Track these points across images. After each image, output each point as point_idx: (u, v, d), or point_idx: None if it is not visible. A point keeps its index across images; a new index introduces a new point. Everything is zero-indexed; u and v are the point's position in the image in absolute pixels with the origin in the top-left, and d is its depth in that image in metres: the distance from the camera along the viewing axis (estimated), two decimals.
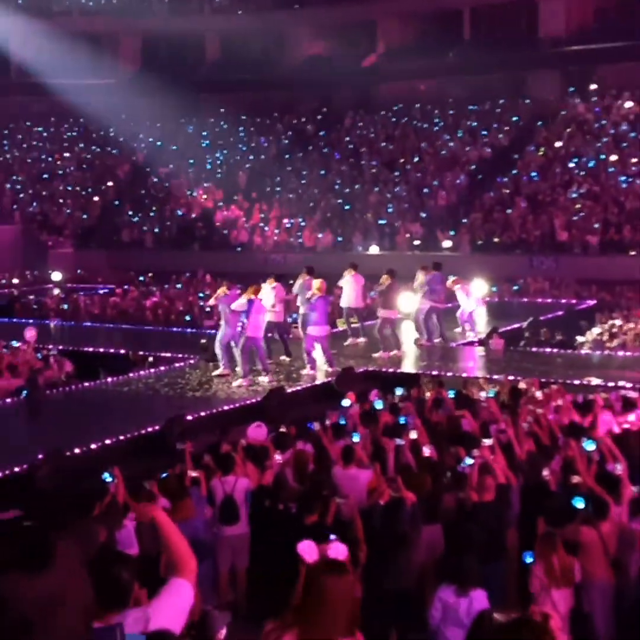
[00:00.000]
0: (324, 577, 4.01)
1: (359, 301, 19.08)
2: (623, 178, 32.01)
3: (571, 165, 33.78)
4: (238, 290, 16.72)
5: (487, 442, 10.13)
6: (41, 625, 2.26)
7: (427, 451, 10.22)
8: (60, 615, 2.30)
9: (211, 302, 17.51)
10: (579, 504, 8.49)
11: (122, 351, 19.45)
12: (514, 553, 8.99)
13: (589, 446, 9.87)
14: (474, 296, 20.43)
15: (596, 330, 20.55)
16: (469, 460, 9.60)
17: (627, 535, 8.52)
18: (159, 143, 43.66)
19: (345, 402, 12.86)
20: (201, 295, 25.35)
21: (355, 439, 10.55)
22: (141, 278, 31.48)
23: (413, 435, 10.62)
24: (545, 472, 9.45)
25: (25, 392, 15.89)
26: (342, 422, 11.81)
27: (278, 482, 9.80)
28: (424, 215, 33.99)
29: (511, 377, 15.12)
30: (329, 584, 3.94)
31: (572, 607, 7.81)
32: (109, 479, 8.98)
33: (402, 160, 37.62)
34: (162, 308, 24.68)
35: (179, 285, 29.30)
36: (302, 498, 9.11)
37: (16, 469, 11.35)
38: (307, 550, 6.14)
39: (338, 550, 6.12)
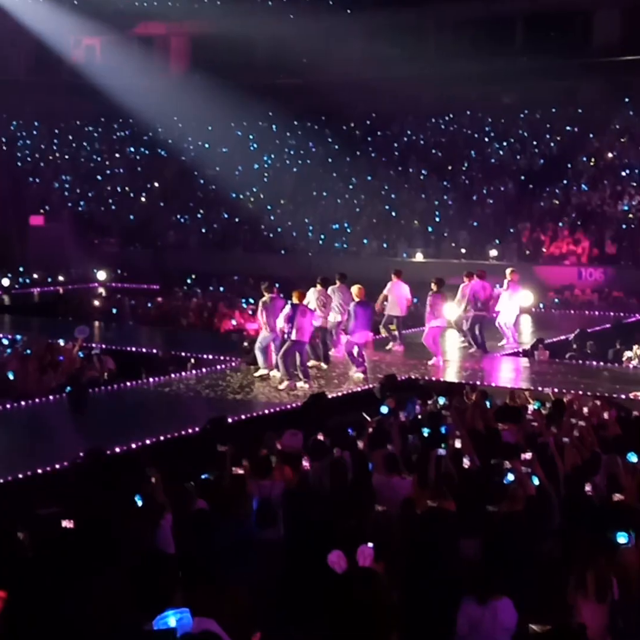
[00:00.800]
0: (351, 585, 3.90)
1: (400, 309, 18.86)
2: None
3: (622, 176, 33.34)
4: (280, 299, 16.50)
5: (526, 455, 9.96)
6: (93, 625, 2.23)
7: (467, 462, 10.09)
8: (109, 616, 2.27)
9: (259, 316, 16.96)
10: (622, 539, 8.24)
11: (160, 352, 19.47)
12: (554, 564, 8.82)
13: (633, 459, 9.67)
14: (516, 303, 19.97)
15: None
16: (510, 476, 9.43)
17: None
18: (206, 145, 43.82)
19: (384, 409, 12.74)
20: (244, 301, 25.19)
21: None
22: (188, 280, 31.55)
23: (456, 444, 10.49)
24: (588, 487, 9.26)
25: (68, 389, 15.95)
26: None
27: (303, 488, 9.69)
28: (471, 223, 33.74)
29: (556, 390, 14.89)
30: (357, 592, 3.83)
31: (606, 624, 7.55)
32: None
33: (450, 168, 37.40)
34: (205, 310, 24.70)
35: (221, 288, 29.31)
36: (339, 505, 9.02)
37: (57, 466, 11.37)
38: (337, 560, 6.05)
39: (365, 554, 6.03)
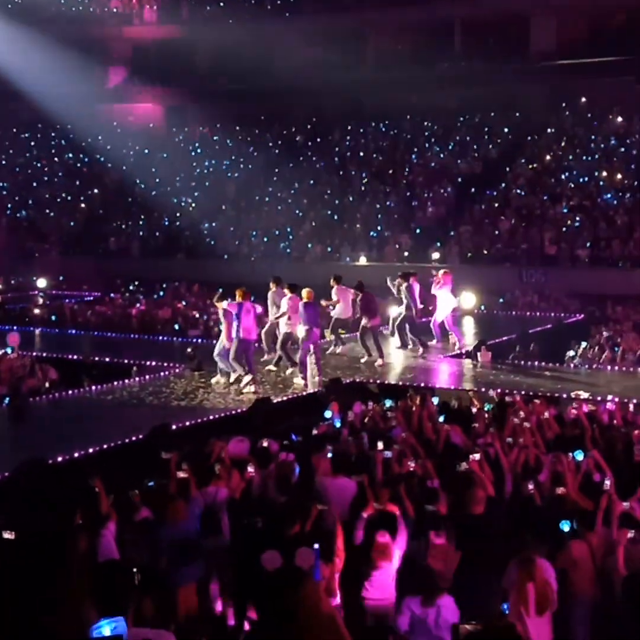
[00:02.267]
0: (285, 587, 3.85)
1: (348, 312, 18.91)
2: (611, 194, 32.04)
3: (561, 179, 33.80)
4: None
5: (476, 456, 10.00)
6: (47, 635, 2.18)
7: (411, 464, 10.12)
8: (63, 625, 2.22)
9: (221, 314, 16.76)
10: (565, 527, 8.34)
11: (107, 359, 19.26)
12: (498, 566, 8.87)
13: (579, 456, 9.76)
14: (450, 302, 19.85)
15: (585, 344, 20.44)
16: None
17: (612, 547, 8.41)
18: (146, 151, 43.51)
19: (328, 413, 12.74)
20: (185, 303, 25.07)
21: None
22: (130, 287, 31.27)
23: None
24: (530, 486, 9.32)
25: (7, 399, 15.69)
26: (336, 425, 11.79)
27: (245, 496, 9.65)
28: (413, 226, 33.94)
29: (499, 391, 14.98)
30: (290, 593, 3.78)
31: (552, 637, 7.57)
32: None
33: (391, 172, 37.59)
34: (147, 316, 24.49)
35: (161, 293, 29.12)
36: (284, 508, 9.00)
37: None
38: (270, 560, 6.02)
39: (304, 557, 6.01)
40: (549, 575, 7.57)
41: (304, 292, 16.50)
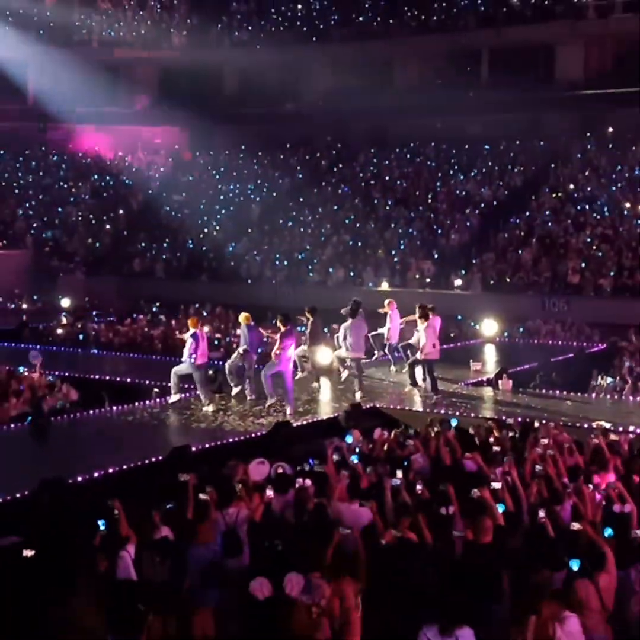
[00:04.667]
0: (275, 613, 3.86)
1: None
2: (637, 222, 31.95)
3: (585, 208, 33.75)
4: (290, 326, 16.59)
5: (496, 484, 9.96)
6: None
7: (419, 488, 10.11)
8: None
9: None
10: (574, 566, 8.22)
11: (129, 380, 19.36)
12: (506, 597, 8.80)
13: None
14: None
15: (610, 380, 20.30)
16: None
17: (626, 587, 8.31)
18: (172, 173, 43.85)
19: (348, 439, 12.73)
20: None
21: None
22: (154, 308, 31.39)
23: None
24: (541, 514, 9.22)
25: (29, 418, 15.78)
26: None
27: (266, 519, 9.65)
28: (436, 253, 33.97)
29: (519, 420, 14.93)
30: (277, 621, 3.79)
31: None
32: (102, 527, 8.84)
33: (415, 198, 37.67)
34: (170, 338, 24.58)
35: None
36: (306, 533, 8.99)
37: (17, 496, 11.22)
38: (259, 588, 6.02)
39: (292, 583, 5.99)
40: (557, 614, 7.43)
41: (243, 316, 17.02)
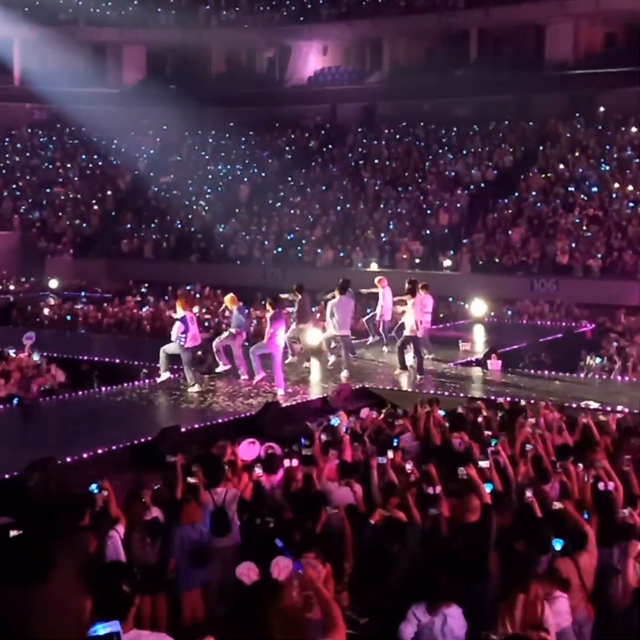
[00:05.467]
0: (260, 599, 3.83)
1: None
2: (626, 203, 31.98)
3: (574, 189, 33.75)
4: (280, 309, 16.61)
5: (484, 463, 9.96)
6: (37, 634, 2.17)
7: (409, 467, 10.11)
8: (56, 625, 2.21)
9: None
10: (557, 546, 8.24)
11: (118, 360, 19.32)
12: (495, 576, 8.83)
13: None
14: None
15: (599, 360, 20.35)
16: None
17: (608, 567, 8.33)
18: (160, 154, 43.65)
19: (334, 421, 12.70)
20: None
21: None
22: (142, 289, 31.30)
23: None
24: (528, 494, 9.23)
25: (17, 399, 15.74)
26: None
27: (257, 496, 9.65)
28: (425, 234, 33.95)
29: (508, 399, 14.96)
30: (264, 605, 3.76)
31: None
32: (96, 491, 8.85)
33: (404, 179, 37.61)
34: (159, 319, 24.53)
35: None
36: (293, 512, 9.01)
37: (6, 476, 11.18)
38: (246, 572, 6.00)
39: (280, 566, 5.98)
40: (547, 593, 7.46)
41: (229, 298, 17.17)
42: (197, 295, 28.63)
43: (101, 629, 3.82)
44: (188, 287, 30.58)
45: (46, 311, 26.72)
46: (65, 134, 46.55)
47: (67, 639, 2.18)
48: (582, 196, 33.22)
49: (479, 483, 9.23)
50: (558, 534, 8.39)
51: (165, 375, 16.48)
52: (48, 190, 42.28)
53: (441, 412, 13.34)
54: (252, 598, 3.90)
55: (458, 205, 35.05)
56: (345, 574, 8.73)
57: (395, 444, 11.54)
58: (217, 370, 17.01)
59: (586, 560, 8.22)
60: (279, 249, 34.89)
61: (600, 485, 9.61)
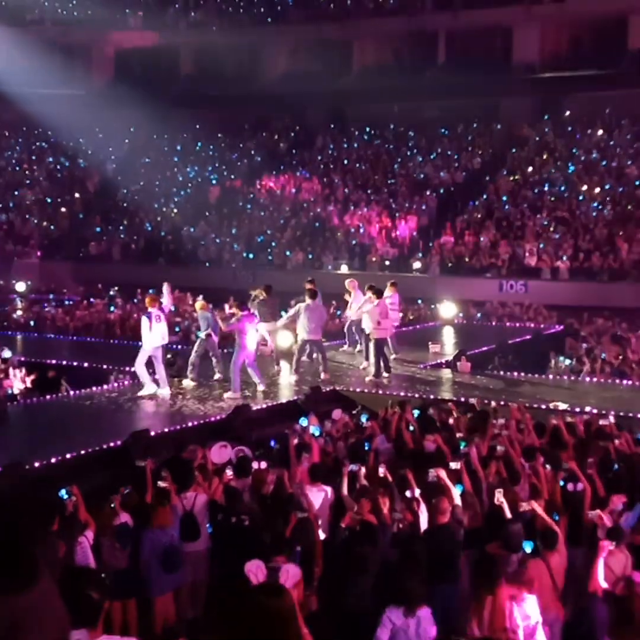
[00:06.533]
0: (260, 600, 3.78)
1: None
2: (593, 205, 32.24)
3: (542, 191, 33.98)
4: (247, 311, 16.47)
5: (454, 465, 9.99)
6: None
7: (381, 471, 10.11)
8: (36, 633, 2.18)
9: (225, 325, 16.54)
10: (528, 548, 8.29)
11: (86, 364, 19.17)
12: (463, 577, 8.86)
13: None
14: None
15: (568, 361, 20.48)
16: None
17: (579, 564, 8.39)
18: (129, 156, 43.43)
19: (303, 422, 12.68)
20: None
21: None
22: (111, 292, 31.07)
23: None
24: (498, 495, 9.27)
25: None
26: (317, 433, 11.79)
27: (230, 496, 9.61)
28: (394, 235, 34.03)
29: (478, 401, 15.00)
30: (268, 605, 3.72)
31: None
32: (65, 497, 8.78)
33: (374, 181, 37.68)
34: (127, 321, 24.39)
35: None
36: (264, 515, 8.99)
37: None
38: (254, 571, 5.96)
39: (289, 573, 5.96)
40: (512, 595, 7.49)
41: (199, 304, 17.26)
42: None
43: None
44: (151, 290, 30.33)
45: (14, 315, 26.47)
46: (32, 136, 46.19)
47: None
48: (550, 198, 33.45)
49: (448, 485, 9.26)
50: (528, 535, 8.44)
51: (151, 388, 15.90)
52: (15, 192, 41.92)
53: (415, 412, 13.38)
54: (247, 597, 3.86)
55: (426, 207, 35.17)
56: (315, 577, 8.72)
57: (366, 448, 11.55)
58: (184, 382, 16.78)
59: (556, 560, 8.27)
60: (250, 255, 34.73)
61: (570, 486, 9.68)
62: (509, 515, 9.00)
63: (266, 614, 3.65)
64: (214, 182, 40.76)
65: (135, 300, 28.40)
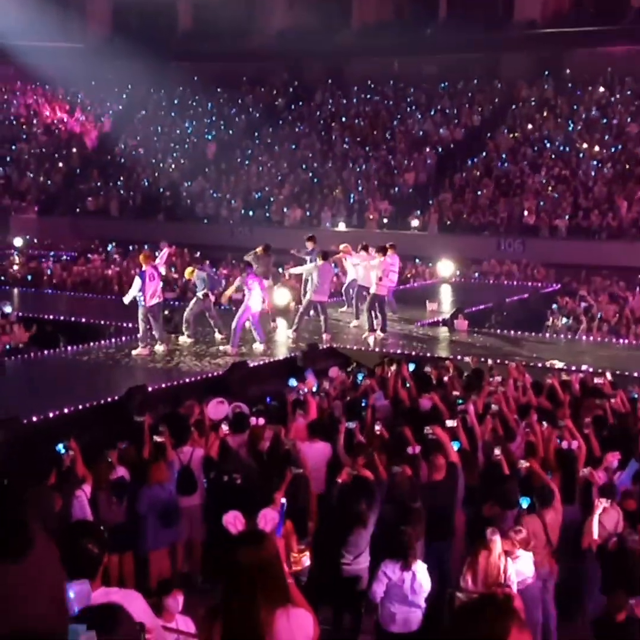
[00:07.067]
0: (240, 549, 3.82)
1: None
2: (593, 163, 32.07)
3: (542, 148, 33.79)
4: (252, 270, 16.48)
5: (451, 422, 10.04)
6: (13, 613, 2.14)
7: (377, 428, 10.17)
8: (32, 603, 2.19)
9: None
10: (524, 503, 8.36)
11: (83, 320, 19.17)
12: (460, 534, 8.94)
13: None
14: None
15: (565, 320, 20.49)
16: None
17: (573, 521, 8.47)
18: (126, 111, 43.09)
19: (292, 382, 12.67)
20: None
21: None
22: (108, 248, 30.98)
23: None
24: (497, 452, 9.33)
25: None
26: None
27: (224, 454, 9.67)
28: (393, 193, 33.88)
29: (474, 358, 15.04)
30: (245, 556, 3.75)
31: None
32: (63, 451, 8.82)
33: (373, 137, 37.44)
34: (124, 277, 24.35)
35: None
36: (258, 471, 9.05)
37: None
38: (232, 521, 6.02)
39: (267, 518, 6.03)
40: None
41: (189, 271, 17.18)
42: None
43: (69, 590, 3.80)
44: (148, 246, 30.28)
45: (11, 269, 26.43)
46: (28, 90, 45.75)
47: (50, 616, 2.16)
48: (550, 156, 33.26)
49: (445, 442, 9.31)
50: (524, 492, 8.51)
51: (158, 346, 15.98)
52: (12, 147, 41.63)
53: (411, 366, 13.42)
54: (231, 547, 3.89)
55: (426, 164, 34.96)
56: (310, 532, 8.80)
57: (363, 404, 11.60)
58: (181, 339, 16.78)
59: (552, 517, 8.35)
60: (249, 212, 34.54)
61: (564, 444, 9.74)
62: (507, 471, 9.08)
63: (244, 563, 3.68)
64: (211, 137, 40.46)
65: (133, 256, 28.30)
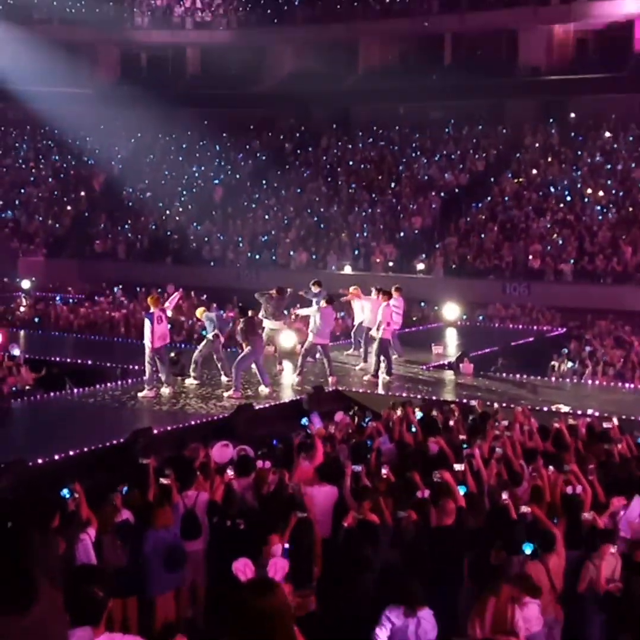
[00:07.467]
0: (250, 598, 3.81)
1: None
2: (598, 208, 32.24)
3: (546, 193, 33.98)
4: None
5: (459, 467, 10.03)
6: None
7: (384, 471, 10.14)
8: None
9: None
10: (527, 550, 8.32)
11: (90, 362, 19.23)
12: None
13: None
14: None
15: (570, 364, 20.48)
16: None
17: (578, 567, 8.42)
18: (134, 155, 43.48)
19: (304, 421, 12.71)
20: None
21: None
22: (115, 290, 31.12)
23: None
24: (504, 496, 9.30)
25: None
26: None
27: (228, 498, 9.65)
28: (398, 237, 34.05)
29: (480, 402, 15.01)
30: (255, 605, 3.75)
31: None
32: (67, 495, 8.80)
33: (378, 182, 37.69)
34: (131, 319, 24.45)
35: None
36: (263, 516, 9.01)
37: None
38: (242, 568, 5.99)
39: (277, 567, 6.00)
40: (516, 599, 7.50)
41: (200, 311, 17.28)
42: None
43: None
44: (158, 290, 30.37)
45: (18, 312, 26.54)
46: (38, 134, 46.23)
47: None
48: (554, 201, 33.45)
49: (454, 486, 9.29)
50: (527, 537, 8.47)
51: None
52: (21, 190, 41.99)
53: (418, 413, 13.41)
54: (240, 595, 3.88)
55: (431, 208, 35.18)
56: (314, 577, 8.75)
57: (368, 444, 11.58)
58: (187, 382, 16.83)
59: (555, 562, 8.30)
60: (256, 256, 34.72)
61: (569, 489, 9.71)
62: (515, 515, 9.05)
63: (255, 612, 3.68)
64: (218, 181, 40.77)
65: (140, 299, 28.41)
